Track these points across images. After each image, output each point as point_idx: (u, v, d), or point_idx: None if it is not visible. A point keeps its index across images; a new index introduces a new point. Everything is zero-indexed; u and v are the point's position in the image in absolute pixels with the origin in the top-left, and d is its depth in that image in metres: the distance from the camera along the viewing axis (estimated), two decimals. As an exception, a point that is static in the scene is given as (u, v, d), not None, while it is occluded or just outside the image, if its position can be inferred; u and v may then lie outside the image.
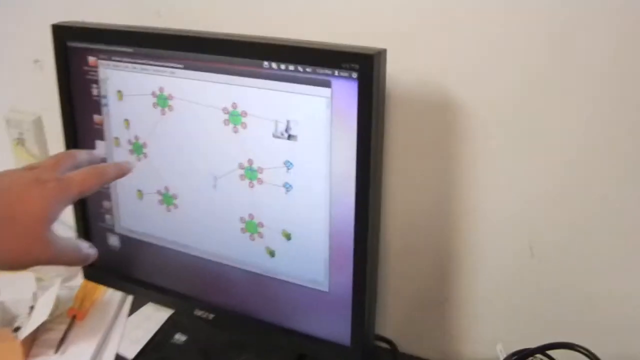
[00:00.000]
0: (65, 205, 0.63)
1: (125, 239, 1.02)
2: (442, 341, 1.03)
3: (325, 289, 0.88)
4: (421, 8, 0.87)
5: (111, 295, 1.16)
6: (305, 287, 0.89)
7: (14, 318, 1.07)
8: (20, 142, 1.25)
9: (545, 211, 0.89)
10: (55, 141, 1.26)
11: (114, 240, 1.04)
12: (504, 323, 0.97)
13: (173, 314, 1.11)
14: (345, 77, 0.77)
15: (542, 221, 0.90)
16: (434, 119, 0.92)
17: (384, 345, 1.04)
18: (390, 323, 1.06)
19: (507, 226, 0.92)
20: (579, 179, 0.85)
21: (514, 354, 0.84)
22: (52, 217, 0.61)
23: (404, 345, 1.04)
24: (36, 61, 1.20)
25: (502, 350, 0.88)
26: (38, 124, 1.24)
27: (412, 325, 1.05)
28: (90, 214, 1.04)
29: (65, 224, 1.01)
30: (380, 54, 0.76)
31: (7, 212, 0.59)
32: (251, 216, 0.89)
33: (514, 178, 0.89)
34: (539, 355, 0.83)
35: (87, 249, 0.68)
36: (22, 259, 0.60)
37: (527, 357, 0.82)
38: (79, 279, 1.17)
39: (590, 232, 0.87)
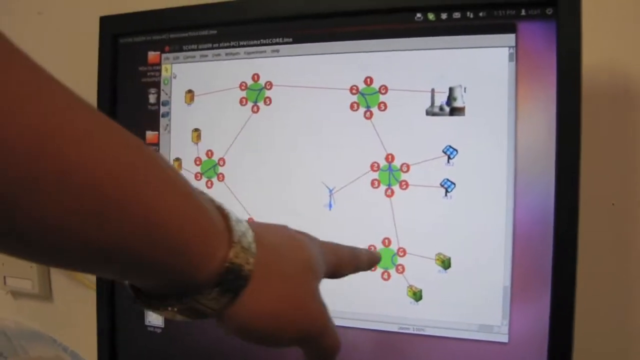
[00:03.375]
0: None
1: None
2: None
3: (504, 338, 0.60)
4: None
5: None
6: (470, 340, 0.61)
7: None
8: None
9: None
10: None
11: (155, 319, 0.73)
12: None
13: None
14: (536, 17, 0.57)
15: None
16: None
17: None
18: None
19: None
20: None
21: None
22: None
23: None
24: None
25: None
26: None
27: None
28: (120, 285, 0.74)
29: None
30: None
31: None
32: (387, 242, 0.63)
33: None
34: None
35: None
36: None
37: None
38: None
39: None
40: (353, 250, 0.52)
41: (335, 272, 0.49)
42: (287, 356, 0.66)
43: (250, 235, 0.39)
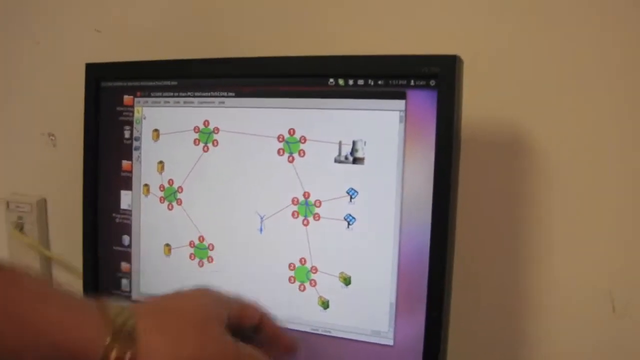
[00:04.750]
0: None
1: (142, 308, 0.88)
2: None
3: (390, 342, 0.75)
4: (491, 31, 0.84)
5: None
6: (365, 342, 0.77)
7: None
8: (19, 225, 1.13)
9: (627, 262, 0.80)
10: (58, 229, 1.15)
11: (128, 311, 0.89)
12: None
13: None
14: (421, 87, 0.72)
15: (624, 274, 0.81)
16: (504, 159, 0.85)
17: None
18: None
19: (586, 277, 0.82)
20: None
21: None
22: None
23: None
24: (50, 135, 1.12)
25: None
26: (41, 205, 1.13)
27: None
28: (102, 282, 0.91)
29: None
30: (460, 61, 0.71)
31: None
32: (303, 261, 0.78)
33: (593, 227, 0.81)
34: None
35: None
36: None
37: None
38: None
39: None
40: (259, 307, 0.64)
41: (242, 316, 0.61)
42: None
43: (130, 323, 0.50)
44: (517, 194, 0.86)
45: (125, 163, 0.88)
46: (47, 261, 1.18)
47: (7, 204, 1.14)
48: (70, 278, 1.14)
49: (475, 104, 0.78)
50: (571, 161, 0.83)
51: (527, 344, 0.88)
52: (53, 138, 1.12)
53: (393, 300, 0.75)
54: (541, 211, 0.85)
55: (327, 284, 0.77)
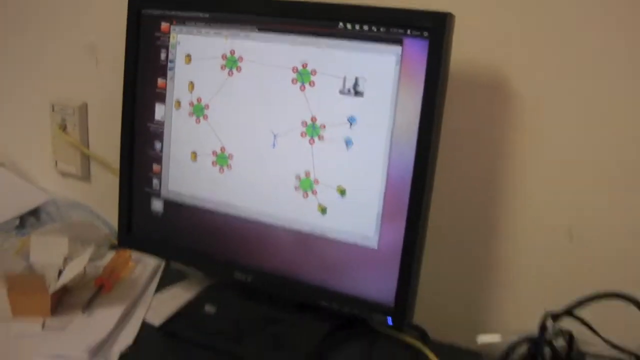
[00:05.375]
0: None
1: (170, 204, 1.05)
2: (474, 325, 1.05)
3: (375, 245, 0.92)
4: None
5: (140, 272, 1.17)
6: (354, 244, 0.93)
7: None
8: (62, 127, 1.29)
9: (586, 202, 0.95)
10: (97, 131, 1.31)
11: (157, 206, 1.07)
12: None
13: (201, 290, 1.12)
14: (417, 37, 0.85)
15: (583, 211, 0.96)
16: (485, 101, 0.99)
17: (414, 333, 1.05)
18: (422, 310, 1.07)
19: (549, 211, 0.97)
20: (626, 173, 0.93)
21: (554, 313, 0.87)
22: None
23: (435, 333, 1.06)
24: (93, 48, 1.27)
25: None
26: (83, 110, 1.29)
27: (444, 311, 1.07)
28: (136, 179, 1.07)
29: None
30: (452, 17, 0.85)
31: None
32: (307, 173, 0.94)
33: (559, 169, 0.96)
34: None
35: None
36: None
37: (568, 312, 0.86)
38: (107, 259, 1.17)
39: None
40: None
41: None
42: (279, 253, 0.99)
43: None
44: (494, 132, 1.00)
45: (160, 81, 1.03)
46: (87, 159, 1.35)
47: (52, 106, 1.30)
48: (105, 175, 1.30)
49: (462, 50, 0.91)
50: (544, 107, 0.96)
51: (494, 267, 1.04)
52: (96, 54, 1.27)
53: (380, 211, 0.91)
54: (515, 148, 0.99)
55: (326, 194, 0.94)
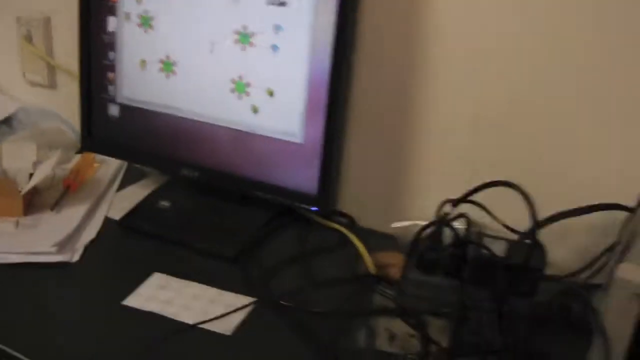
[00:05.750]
0: None
1: (124, 108, 1.17)
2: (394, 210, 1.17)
3: (300, 140, 1.04)
4: None
5: (103, 173, 1.29)
6: (282, 140, 1.05)
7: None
8: (28, 38, 1.40)
9: (491, 91, 1.05)
10: (61, 42, 1.41)
11: (114, 110, 1.18)
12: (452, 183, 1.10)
13: (157, 187, 1.24)
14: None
15: (488, 102, 1.06)
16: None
17: (343, 220, 1.18)
18: (349, 199, 1.20)
19: (459, 100, 1.08)
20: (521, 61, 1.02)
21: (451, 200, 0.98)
22: None
23: (362, 220, 1.18)
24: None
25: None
26: (47, 22, 1.39)
27: (370, 199, 1.19)
28: (94, 86, 1.18)
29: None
30: None
31: None
32: (241, 77, 1.05)
33: (471, 64, 1.05)
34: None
35: None
36: None
37: (465, 199, 0.97)
38: (73, 163, 1.29)
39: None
40: None
41: None
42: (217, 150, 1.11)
43: None
44: (410, 27, 1.09)
45: (114, -6, 1.13)
46: (53, 69, 1.45)
47: (18, 19, 1.40)
48: (70, 83, 1.40)
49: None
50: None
51: (413, 154, 1.15)
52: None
53: (303, 109, 1.02)
54: (429, 41, 1.07)
55: (257, 95, 1.05)
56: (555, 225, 0.89)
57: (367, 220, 1.16)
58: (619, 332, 0.75)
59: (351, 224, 1.15)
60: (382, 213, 1.16)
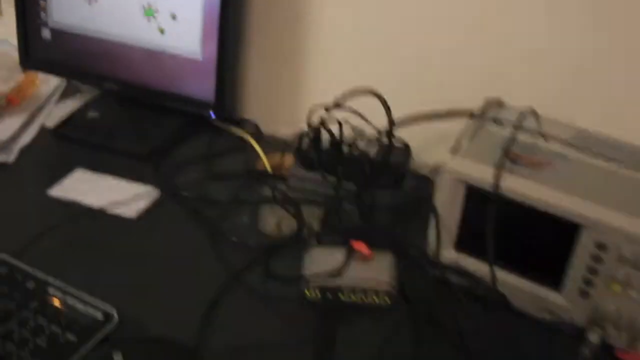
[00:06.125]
0: None
1: (55, 32, 1.34)
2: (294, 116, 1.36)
3: (200, 57, 1.22)
4: None
5: (44, 90, 1.48)
6: (185, 57, 1.24)
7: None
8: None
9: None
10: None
11: (46, 34, 1.35)
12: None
13: (88, 100, 1.43)
14: None
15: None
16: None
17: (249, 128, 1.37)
18: (255, 107, 1.38)
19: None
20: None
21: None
22: None
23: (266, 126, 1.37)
24: None
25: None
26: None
27: (271, 106, 1.38)
28: (28, 13, 1.35)
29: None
30: None
31: None
32: (149, 4, 1.23)
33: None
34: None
35: None
36: None
37: (334, 107, 1.15)
38: (15, 80, 1.48)
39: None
40: None
41: None
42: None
43: None
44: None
45: None
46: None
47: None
48: (8, 10, 1.55)
49: None
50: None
51: (308, 60, 1.33)
52: None
53: (201, 31, 1.20)
54: None
55: (163, 18, 1.23)
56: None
57: (269, 126, 1.35)
58: (448, 214, 0.95)
59: (256, 130, 1.35)
60: (283, 120, 1.35)
